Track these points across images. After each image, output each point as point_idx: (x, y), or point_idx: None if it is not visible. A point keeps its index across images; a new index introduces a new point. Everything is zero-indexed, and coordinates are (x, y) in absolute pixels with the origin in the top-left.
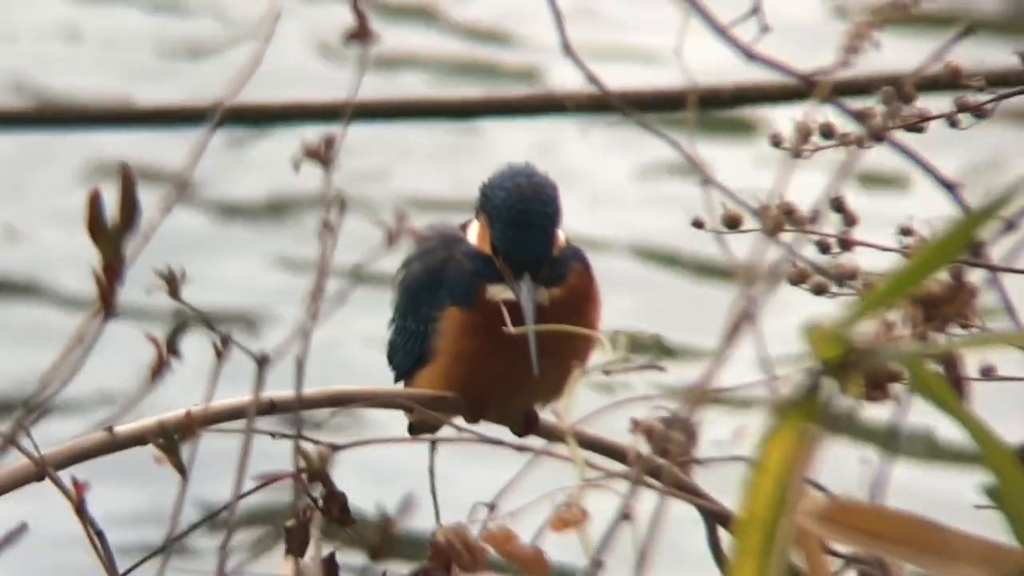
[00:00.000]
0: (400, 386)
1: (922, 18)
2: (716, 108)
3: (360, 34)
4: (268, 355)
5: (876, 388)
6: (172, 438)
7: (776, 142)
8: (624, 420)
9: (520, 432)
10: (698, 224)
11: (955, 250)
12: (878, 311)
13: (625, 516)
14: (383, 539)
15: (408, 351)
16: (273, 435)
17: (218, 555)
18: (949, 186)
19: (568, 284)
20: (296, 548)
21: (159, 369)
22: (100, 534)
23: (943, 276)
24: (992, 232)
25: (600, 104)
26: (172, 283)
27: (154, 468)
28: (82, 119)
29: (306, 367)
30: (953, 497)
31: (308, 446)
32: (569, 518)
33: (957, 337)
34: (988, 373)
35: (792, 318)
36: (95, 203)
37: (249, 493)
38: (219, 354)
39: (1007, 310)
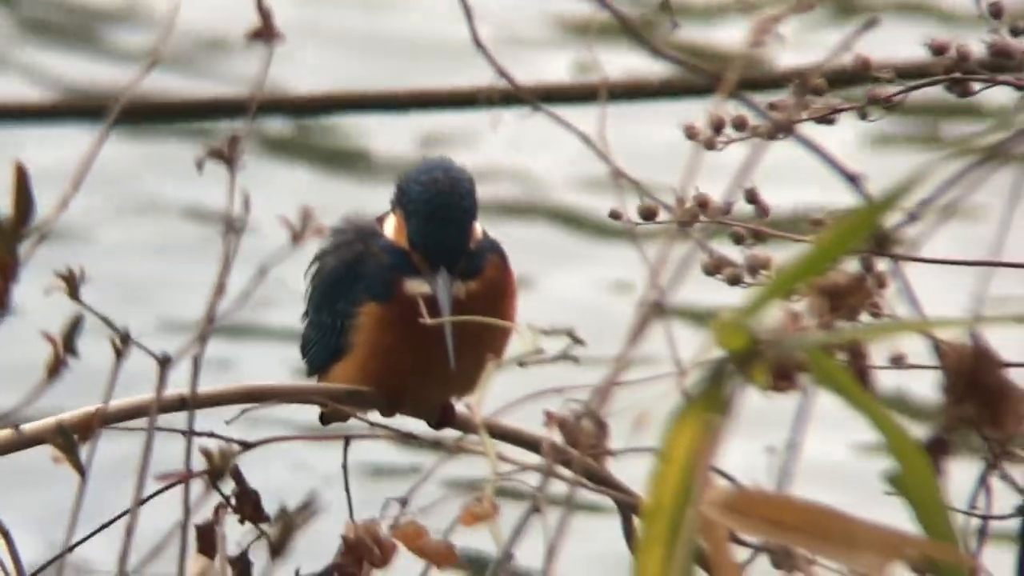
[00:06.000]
0: (314, 380)
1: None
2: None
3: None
4: (170, 355)
5: (782, 378)
6: (71, 437)
7: (690, 134)
8: (539, 411)
9: (436, 425)
10: (615, 215)
11: (855, 239)
12: (780, 300)
13: (535, 509)
14: (284, 537)
15: (323, 345)
16: (184, 432)
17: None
18: (852, 178)
19: (484, 277)
20: (206, 547)
21: (56, 367)
22: (6, 534)
23: (851, 267)
24: (897, 223)
25: (511, 98)
26: (71, 282)
27: None
28: None
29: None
30: None
31: (212, 443)
32: (480, 512)
33: (862, 327)
34: (898, 361)
35: None
36: None
37: (153, 496)
38: (118, 353)
39: (910, 299)
